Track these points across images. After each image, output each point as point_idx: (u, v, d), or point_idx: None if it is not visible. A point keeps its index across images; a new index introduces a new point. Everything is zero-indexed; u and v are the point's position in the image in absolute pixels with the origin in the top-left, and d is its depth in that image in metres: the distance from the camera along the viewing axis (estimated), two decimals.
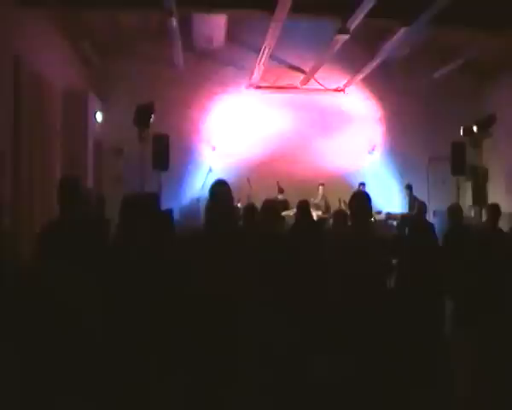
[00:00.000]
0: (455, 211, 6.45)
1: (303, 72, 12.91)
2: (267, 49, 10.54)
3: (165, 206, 7.43)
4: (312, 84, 13.08)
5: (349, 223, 4.88)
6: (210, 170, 11.68)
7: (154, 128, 9.02)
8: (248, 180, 11.57)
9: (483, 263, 4.85)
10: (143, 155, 8.67)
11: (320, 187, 12.17)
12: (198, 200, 11.04)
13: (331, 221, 7.42)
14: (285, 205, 11.01)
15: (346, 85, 13.26)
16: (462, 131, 10.44)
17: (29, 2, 7.84)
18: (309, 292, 4.25)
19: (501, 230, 6.09)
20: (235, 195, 3.86)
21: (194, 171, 12.53)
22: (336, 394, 3.39)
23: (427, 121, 12.87)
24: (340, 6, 8.96)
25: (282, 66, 13.00)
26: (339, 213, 6.23)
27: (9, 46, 7.31)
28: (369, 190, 10.82)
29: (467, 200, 11.86)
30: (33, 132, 7.99)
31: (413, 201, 11.28)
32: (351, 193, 4.80)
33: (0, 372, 3.02)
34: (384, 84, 13.11)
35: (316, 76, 12.70)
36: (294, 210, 6.32)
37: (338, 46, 10.28)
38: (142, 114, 8.65)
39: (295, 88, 13.22)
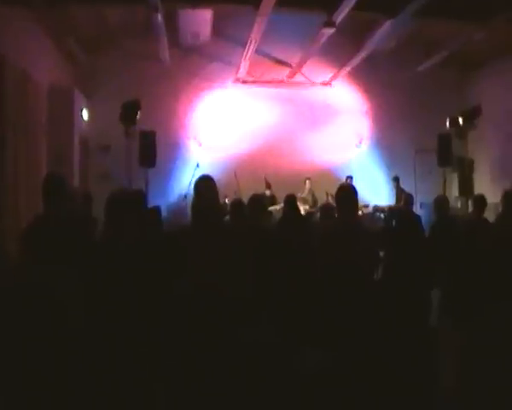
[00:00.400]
0: (441, 203, 6.52)
1: (289, 66, 12.91)
2: (253, 44, 10.53)
3: (152, 203, 7.42)
4: (299, 77, 13.10)
5: (336, 216, 4.90)
6: (197, 166, 11.65)
7: (141, 124, 9.00)
8: (235, 174, 11.56)
9: (468, 253, 4.90)
10: (130, 152, 8.65)
11: (307, 181, 12.18)
12: (185, 196, 11.01)
13: (318, 215, 7.44)
14: (272, 200, 11.03)
15: (332, 79, 13.27)
16: (448, 122, 10.52)
17: (11, 0, 7.78)
18: (296, 283, 4.28)
19: (486, 220, 6.17)
20: (222, 190, 3.87)
21: (182, 167, 12.49)
22: (323, 386, 3.41)
23: (413, 113, 12.92)
24: None
25: (268, 60, 12.98)
26: (326, 207, 6.27)
27: None
28: (356, 183, 10.88)
29: (453, 191, 11.97)
30: (18, 130, 7.93)
31: (400, 193, 11.34)
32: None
33: None
34: (370, 77, 13.14)
35: (302, 70, 12.72)
36: (282, 205, 6.35)
37: (324, 39, 10.31)
38: (129, 111, 8.63)
39: (282, 82, 13.22)
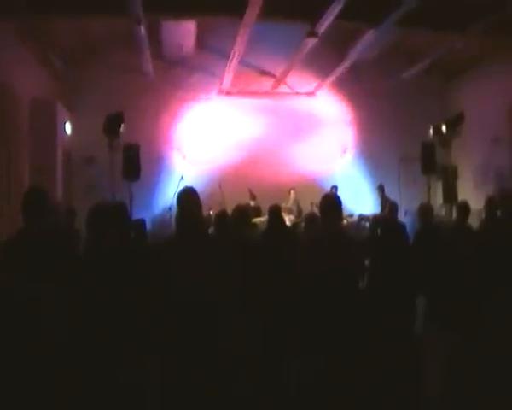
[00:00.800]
0: (425, 211, 6.55)
1: (273, 76, 12.95)
2: (236, 55, 10.55)
3: (137, 215, 7.38)
4: (283, 88, 13.15)
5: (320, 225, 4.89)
6: (182, 178, 11.60)
7: (125, 137, 8.96)
8: (220, 186, 11.54)
9: (452, 260, 4.92)
10: (114, 165, 8.61)
11: (291, 191, 12.16)
12: (170, 209, 10.97)
13: (303, 225, 7.44)
14: (257, 212, 11.01)
15: (316, 89, 13.34)
16: (431, 130, 10.60)
17: None
18: (281, 292, 4.26)
19: (470, 227, 6.21)
20: (207, 202, 3.85)
21: (166, 179, 12.44)
22: (310, 392, 3.40)
23: (397, 122, 12.98)
24: (308, 9, 9.05)
25: (252, 71, 13.02)
26: (310, 217, 6.25)
27: None
28: (341, 192, 10.92)
29: (438, 198, 12.02)
30: None
31: (385, 201, 11.35)
32: None
33: None
34: (354, 87, 13.22)
35: (286, 80, 12.78)
36: (267, 217, 6.33)
37: (307, 50, 10.37)
38: (112, 124, 8.61)
39: (266, 93, 13.26)
